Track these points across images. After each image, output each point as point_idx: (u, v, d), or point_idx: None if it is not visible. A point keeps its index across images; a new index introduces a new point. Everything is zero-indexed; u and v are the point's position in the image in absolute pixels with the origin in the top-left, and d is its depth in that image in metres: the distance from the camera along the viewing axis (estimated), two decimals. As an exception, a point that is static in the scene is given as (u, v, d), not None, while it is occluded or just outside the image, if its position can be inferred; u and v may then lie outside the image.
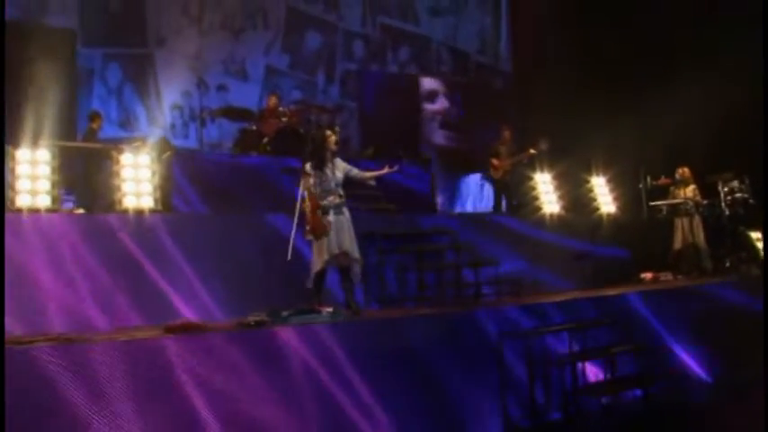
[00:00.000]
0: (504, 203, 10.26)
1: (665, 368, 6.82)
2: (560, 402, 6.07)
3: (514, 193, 10.17)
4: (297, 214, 6.30)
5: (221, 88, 12.66)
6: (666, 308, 7.59)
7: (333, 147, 6.37)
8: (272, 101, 10.65)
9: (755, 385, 6.25)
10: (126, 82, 12.05)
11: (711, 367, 7.63)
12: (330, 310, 6.02)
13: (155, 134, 10.08)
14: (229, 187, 8.59)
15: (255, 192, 8.74)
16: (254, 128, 10.29)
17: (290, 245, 6.27)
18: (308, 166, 6.30)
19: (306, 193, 6.23)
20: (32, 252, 5.89)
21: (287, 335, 5.23)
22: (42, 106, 8.26)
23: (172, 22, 12.39)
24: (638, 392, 6.39)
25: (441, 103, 14.54)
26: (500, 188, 10.35)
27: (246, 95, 12.57)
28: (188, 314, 6.09)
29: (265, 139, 10.01)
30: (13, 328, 5.19)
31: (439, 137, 14.54)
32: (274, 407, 4.97)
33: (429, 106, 14.48)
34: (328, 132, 6.51)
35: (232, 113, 10.95)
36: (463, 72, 15.47)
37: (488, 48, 15.91)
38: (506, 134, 10.49)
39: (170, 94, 12.31)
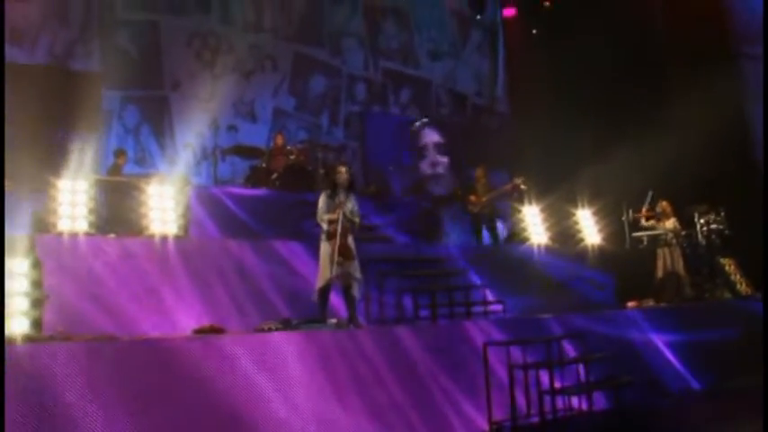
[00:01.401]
0: (484, 235, 11.21)
1: (634, 375, 7.77)
2: (538, 406, 7.00)
3: (496, 226, 11.12)
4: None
5: (231, 128, 13.64)
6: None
7: (341, 180, 7.41)
8: (279, 140, 11.78)
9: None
10: (143, 122, 13.05)
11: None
12: (334, 321, 7.04)
13: (174, 170, 11.16)
14: (241, 217, 9.70)
15: (266, 222, 9.83)
16: (264, 165, 11.40)
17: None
18: (322, 194, 7.37)
19: (319, 217, 7.28)
20: (72, 268, 6.94)
21: (295, 338, 6.26)
22: (74, 143, 9.39)
23: (186, 67, 13.44)
24: (609, 396, 7.34)
25: (429, 159, 15.71)
26: (478, 222, 11.18)
27: (255, 135, 13.59)
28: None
29: (274, 176, 11.13)
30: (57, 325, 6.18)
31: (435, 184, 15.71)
32: (281, 402, 5.97)
33: (421, 164, 15.66)
34: (340, 167, 7.55)
35: (243, 151, 12.08)
36: (461, 113, 16.64)
37: (485, 90, 17.08)
38: (479, 172, 11.36)
39: (183, 133, 13.17)
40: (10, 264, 5.54)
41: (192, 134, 13.25)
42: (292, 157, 11.35)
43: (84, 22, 12.55)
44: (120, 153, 10.17)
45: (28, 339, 5.34)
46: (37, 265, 5.67)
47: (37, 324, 5.51)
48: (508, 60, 17.07)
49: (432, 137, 15.72)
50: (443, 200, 12.95)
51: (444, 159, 15.69)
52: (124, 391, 5.28)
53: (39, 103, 10.17)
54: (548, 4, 15.62)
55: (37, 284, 5.62)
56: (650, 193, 11.14)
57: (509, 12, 16.69)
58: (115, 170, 9.79)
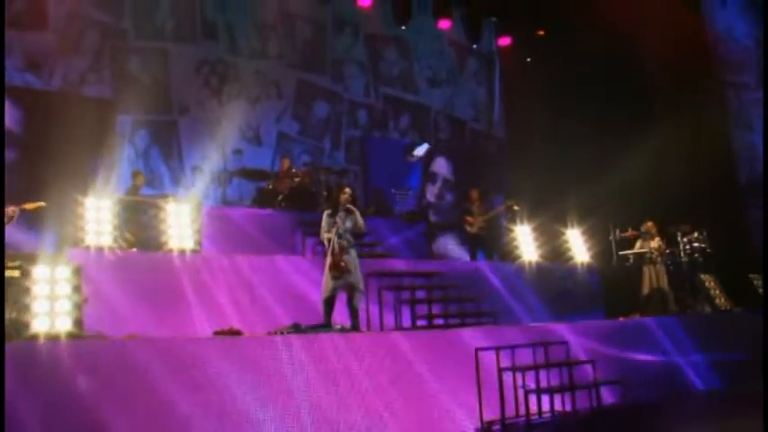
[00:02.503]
0: (479, 254, 12.12)
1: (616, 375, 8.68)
2: (525, 406, 7.85)
3: (492, 245, 12.06)
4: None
5: (237, 152, 14.43)
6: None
7: (343, 200, 8.34)
8: (286, 163, 12.71)
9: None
10: (152, 146, 13.88)
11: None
12: (339, 327, 7.92)
13: (186, 192, 12.08)
14: (249, 235, 10.61)
15: (272, 239, 10.75)
16: (271, 187, 12.33)
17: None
18: (324, 213, 8.30)
19: (321, 234, 8.22)
20: (99, 278, 7.84)
21: (304, 340, 7.15)
22: (95, 165, 10.31)
23: (194, 93, 14.32)
24: (593, 395, 8.21)
25: (438, 185, 16.73)
26: (475, 241, 12.14)
27: (260, 159, 14.52)
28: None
29: (280, 197, 12.05)
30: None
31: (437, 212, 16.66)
32: (286, 393, 6.85)
33: (429, 187, 16.62)
34: (345, 188, 8.52)
35: (250, 174, 13.03)
36: (460, 138, 17.57)
37: (482, 116, 17.96)
38: (474, 194, 12.32)
39: (191, 157, 14.13)
40: (54, 271, 6.45)
41: (199, 157, 14.13)
42: (297, 179, 12.28)
43: (97, 51, 13.43)
44: (137, 175, 11.07)
45: (71, 336, 6.22)
46: (77, 272, 6.56)
47: (78, 323, 6.38)
48: (504, 87, 17.98)
49: (444, 169, 16.72)
50: (442, 227, 13.89)
51: (450, 195, 16.64)
52: (152, 383, 6.18)
53: (63, 128, 11.14)
54: (541, 33, 16.67)
55: (77, 289, 6.50)
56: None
57: (504, 41, 17.65)
58: (133, 191, 10.69)
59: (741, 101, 14.87)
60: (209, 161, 14.23)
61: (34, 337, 6.13)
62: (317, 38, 15.99)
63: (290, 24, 15.63)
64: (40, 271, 6.39)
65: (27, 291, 6.29)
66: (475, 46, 17.67)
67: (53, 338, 6.14)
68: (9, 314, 6.30)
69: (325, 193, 12.24)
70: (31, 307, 6.23)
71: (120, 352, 6.18)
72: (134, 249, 8.66)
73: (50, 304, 6.31)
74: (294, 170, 12.55)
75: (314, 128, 15.68)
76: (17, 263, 6.70)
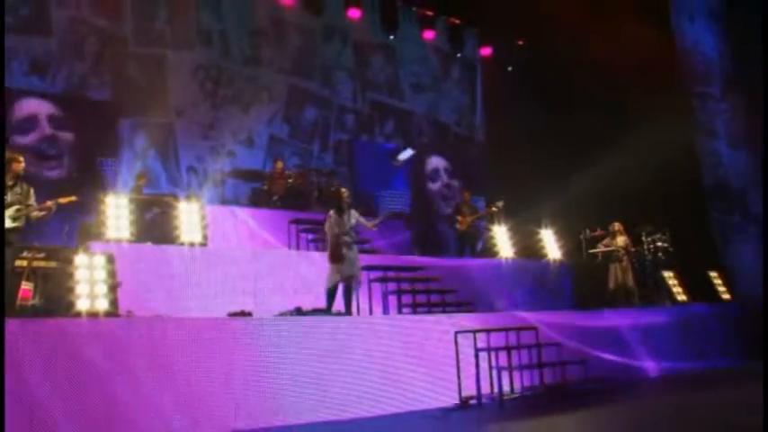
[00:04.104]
0: (467, 250, 13.56)
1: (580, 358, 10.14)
2: (499, 382, 9.25)
3: (477, 242, 13.52)
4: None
5: (230, 154, 15.55)
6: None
7: (346, 200, 9.71)
8: (279, 165, 13.96)
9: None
10: (149, 147, 15.00)
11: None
12: (335, 312, 9.28)
13: (185, 192, 13.34)
14: (248, 231, 11.93)
15: (269, 235, 12.08)
16: (266, 187, 13.63)
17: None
18: (331, 212, 9.65)
19: (331, 231, 9.57)
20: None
21: (306, 321, 8.51)
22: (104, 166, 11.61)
23: (190, 97, 15.42)
24: (558, 374, 9.64)
25: (441, 182, 18.14)
26: (464, 238, 13.64)
27: (252, 160, 15.71)
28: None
29: (275, 197, 13.36)
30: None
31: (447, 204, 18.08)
32: (291, 362, 8.20)
33: (431, 185, 18.04)
34: (343, 189, 9.89)
35: (246, 175, 14.33)
36: (443, 142, 18.91)
37: (465, 121, 19.32)
38: (465, 195, 13.91)
39: (186, 158, 15.25)
40: (91, 259, 7.75)
41: (193, 158, 15.34)
42: (291, 180, 13.59)
43: (98, 56, 14.58)
44: (141, 175, 12.33)
45: (108, 314, 7.52)
46: (111, 259, 7.86)
47: (113, 304, 7.68)
48: (485, 93, 19.37)
49: (439, 162, 18.13)
50: (451, 218, 15.23)
51: (455, 181, 18.10)
52: (174, 356, 7.50)
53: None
54: (521, 43, 18.15)
55: (111, 274, 7.80)
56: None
57: (486, 51, 19.15)
58: (137, 190, 11.95)
59: (707, 110, 16.36)
60: (204, 162, 15.52)
61: (78, 315, 7.42)
62: (307, 45, 17.15)
63: (281, 32, 16.81)
64: (80, 259, 7.68)
65: (71, 276, 7.57)
66: (459, 55, 19.03)
67: (93, 316, 7.44)
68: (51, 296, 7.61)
69: (316, 194, 13.59)
70: (75, 289, 7.51)
71: (150, 328, 7.49)
72: (149, 243, 9.93)
73: (90, 287, 7.59)
74: (287, 172, 13.85)
75: (303, 131, 16.84)
76: (42, 254, 8.11)
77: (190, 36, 15.72)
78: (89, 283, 7.62)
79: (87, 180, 12.73)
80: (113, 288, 7.77)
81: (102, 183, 12.80)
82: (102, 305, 7.60)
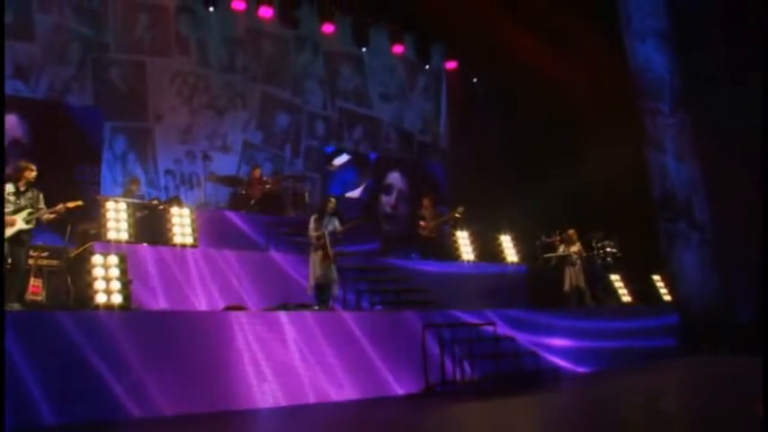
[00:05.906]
0: (429, 254, 15.05)
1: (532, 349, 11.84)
2: (461, 371, 10.85)
3: (439, 247, 15.04)
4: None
5: (206, 158, 16.39)
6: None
7: (329, 208, 11.20)
8: (257, 172, 15.23)
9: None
10: (129, 150, 16.23)
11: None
12: (316, 307, 10.79)
13: (161, 195, 14.62)
14: (230, 234, 13.32)
15: (249, 237, 13.49)
16: (244, 192, 14.98)
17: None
18: (314, 217, 11.13)
19: (309, 233, 11.07)
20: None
21: (290, 316, 10.00)
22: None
23: (168, 102, 16.69)
24: (509, 364, 11.31)
25: (391, 199, 19.30)
26: (427, 243, 15.03)
27: (227, 165, 16.96)
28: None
29: (252, 202, 14.73)
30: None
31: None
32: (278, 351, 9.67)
33: (384, 198, 19.30)
34: (330, 199, 11.38)
35: (224, 180, 15.65)
36: (408, 149, 20.39)
37: (429, 129, 20.80)
38: (426, 202, 15.21)
39: (164, 161, 16.52)
40: (105, 259, 9.13)
41: (171, 162, 16.58)
42: (268, 186, 14.99)
43: (80, 61, 15.76)
44: (133, 181, 13.63)
45: (122, 308, 8.92)
46: (123, 259, 9.25)
47: (126, 299, 9.07)
48: (449, 103, 20.89)
49: (398, 182, 19.31)
50: (396, 240, 16.64)
51: (405, 207, 19.09)
52: (182, 343, 8.92)
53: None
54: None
55: (124, 272, 9.18)
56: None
57: (451, 65, 20.72)
58: (129, 195, 13.24)
59: (656, 125, 18.21)
60: (181, 165, 16.79)
61: (96, 308, 8.80)
62: (280, 54, 18.52)
63: (256, 41, 18.16)
64: (96, 258, 9.05)
65: (89, 273, 8.93)
66: (427, 66, 20.56)
67: (109, 309, 8.82)
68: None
69: (291, 198, 15.02)
70: (93, 286, 8.88)
71: (158, 320, 8.90)
72: (145, 243, 11.30)
73: (106, 284, 8.97)
74: (265, 178, 15.25)
75: (275, 137, 18.20)
76: (46, 254, 9.48)
77: (169, 44, 16.98)
78: (105, 280, 8.97)
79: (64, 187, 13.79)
80: (126, 285, 9.14)
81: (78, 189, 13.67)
82: (117, 300, 8.96)
